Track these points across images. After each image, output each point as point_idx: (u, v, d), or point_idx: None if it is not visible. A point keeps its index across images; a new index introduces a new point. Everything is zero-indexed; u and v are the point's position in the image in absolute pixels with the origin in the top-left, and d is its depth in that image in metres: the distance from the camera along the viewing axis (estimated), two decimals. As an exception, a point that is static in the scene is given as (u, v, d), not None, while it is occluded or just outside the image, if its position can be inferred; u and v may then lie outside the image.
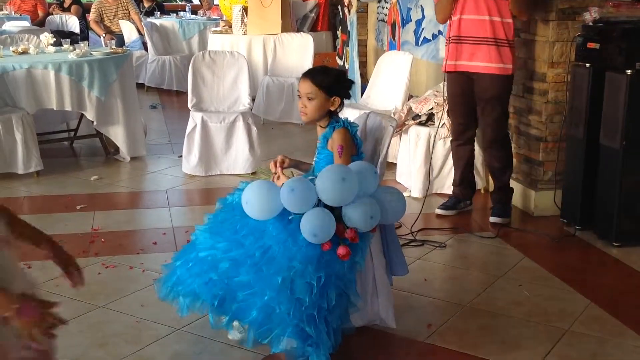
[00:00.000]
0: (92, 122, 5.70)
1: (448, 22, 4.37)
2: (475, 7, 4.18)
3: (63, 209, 4.62)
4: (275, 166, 2.95)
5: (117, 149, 5.91)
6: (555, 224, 4.34)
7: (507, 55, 4.23)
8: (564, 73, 4.38)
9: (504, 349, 2.88)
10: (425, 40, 6.24)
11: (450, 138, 4.69)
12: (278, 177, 2.92)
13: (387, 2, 7.23)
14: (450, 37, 4.32)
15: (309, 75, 2.93)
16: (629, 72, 3.79)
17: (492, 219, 4.39)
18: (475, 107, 4.44)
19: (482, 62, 4.22)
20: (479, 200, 4.76)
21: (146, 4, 11.13)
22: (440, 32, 5.90)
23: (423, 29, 6.28)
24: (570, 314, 3.18)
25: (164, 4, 12.65)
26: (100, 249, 3.90)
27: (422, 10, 6.26)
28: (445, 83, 4.47)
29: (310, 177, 2.83)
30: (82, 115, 5.93)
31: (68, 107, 5.53)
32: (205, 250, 2.78)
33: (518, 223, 4.42)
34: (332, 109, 2.90)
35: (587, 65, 4.06)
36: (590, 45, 4.02)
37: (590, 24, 4.04)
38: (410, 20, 6.57)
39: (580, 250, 4.00)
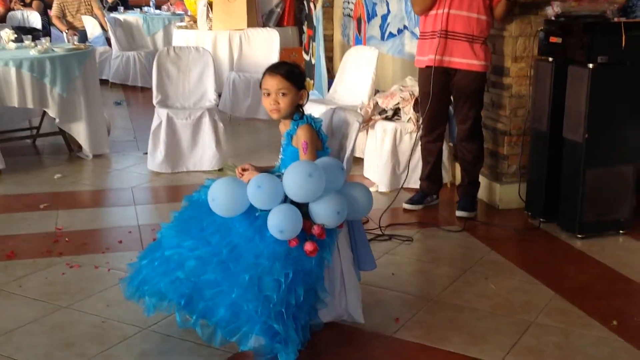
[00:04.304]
0: (55, 119, 5.61)
1: (423, 16, 4.33)
2: (465, 3, 4.16)
3: (26, 208, 4.54)
4: (240, 172, 2.94)
5: (80, 147, 5.83)
6: (520, 217, 4.39)
7: (488, 52, 4.29)
8: (527, 67, 4.43)
9: (471, 341, 2.90)
10: (391, 35, 6.25)
11: (417, 133, 4.70)
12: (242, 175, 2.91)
13: (353, -3, 7.23)
14: (432, 32, 4.26)
15: (278, 70, 2.87)
16: (591, 65, 3.84)
17: (458, 213, 4.43)
18: (447, 103, 4.46)
19: (466, 58, 4.22)
20: (445, 195, 4.80)
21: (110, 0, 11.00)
22: (405, 27, 5.92)
23: (388, 24, 6.30)
24: (535, 306, 3.22)
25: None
26: (65, 249, 3.84)
27: (388, 5, 6.27)
28: (420, 78, 4.45)
29: (277, 174, 2.82)
30: (45, 112, 5.83)
31: (30, 105, 5.44)
32: (172, 248, 2.76)
33: (484, 216, 4.46)
34: (301, 102, 2.90)
35: (550, 59, 4.11)
36: (553, 39, 4.07)
37: (553, 18, 4.08)
38: (376, 15, 6.58)
39: (545, 242, 4.05)
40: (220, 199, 2.68)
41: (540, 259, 3.82)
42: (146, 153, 5.51)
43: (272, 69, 2.90)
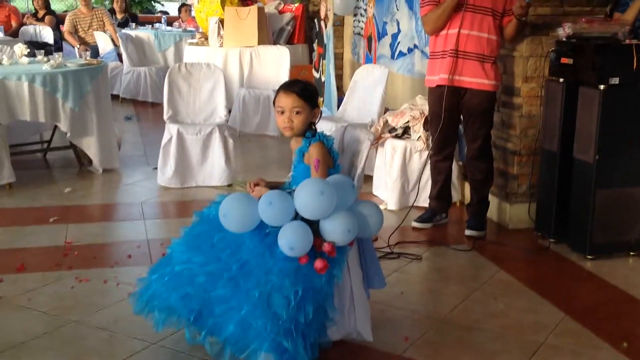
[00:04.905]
0: (66, 133, 5.64)
1: (434, 36, 4.34)
2: (475, 23, 4.17)
3: (36, 222, 4.56)
4: (251, 187, 2.94)
5: (90, 161, 5.86)
6: (530, 237, 4.38)
7: (498, 72, 4.31)
8: (538, 88, 4.43)
9: (481, 362, 2.89)
10: (401, 54, 6.28)
11: (427, 151, 4.71)
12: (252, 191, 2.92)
13: (364, 16, 7.27)
14: (443, 51, 4.27)
15: (292, 88, 2.87)
16: (602, 87, 3.85)
17: (467, 232, 4.42)
18: (457, 122, 4.46)
19: (477, 78, 4.23)
20: (455, 213, 4.79)
21: (119, 16, 11.06)
22: (416, 46, 5.94)
23: (399, 42, 6.33)
24: (545, 326, 3.20)
25: (138, 15, 12.61)
26: (74, 262, 3.85)
27: (398, 24, 6.30)
28: (430, 98, 4.46)
29: (288, 190, 2.83)
30: (56, 126, 5.87)
31: (42, 119, 5.47)
32: (182, 263, 2.76)
33: (493, 236, 4.45)
34: (314, 120, 2.91)
35: (561, 80, 4.11)
36: (564, 60, 4.08)
37: (564, 39, 4.09)
38: (386, 34, 6.61)
39: (555, 262, 4.04)
40: (231, 214, 2.68)
41: (549, 280, 3.80)
42: (156, 168, 5.53)
43: (287, 87, 2.90)
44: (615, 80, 3.85)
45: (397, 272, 3.82)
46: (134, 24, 10.80)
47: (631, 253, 4.09)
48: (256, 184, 2.97)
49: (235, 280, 2.63)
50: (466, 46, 4.21)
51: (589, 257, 4.02)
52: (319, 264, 2.61)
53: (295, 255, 2.59)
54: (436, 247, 4.23)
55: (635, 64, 3.84)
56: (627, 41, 3.95)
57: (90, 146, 5.72)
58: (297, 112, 2.85)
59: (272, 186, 2.95)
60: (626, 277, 3.81)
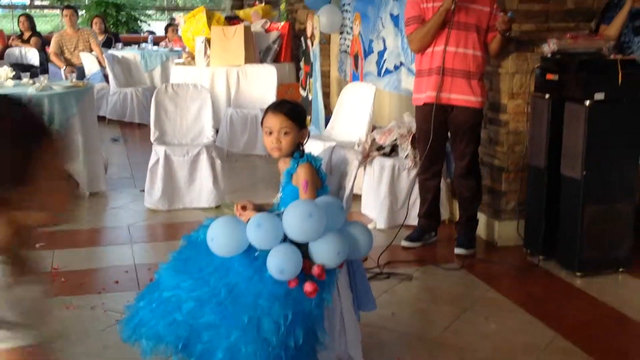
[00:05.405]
0: (52, 157, 5.58)
1: (419, 54, 4.34)
2: (461, 40, 4.18)
3: (22, 247, 4.50)
4: (239, 210, 2.91)
5: (77, 185, 5.81)
6: (519, 254, 4.37)
7: (484, 89, 4.31)
8: (524, 104, 4.44)
9: (473, 383, 2.86)
10: (388, 71, 6.29)
11: (415, 169, 4.70)
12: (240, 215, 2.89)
13: (350, 34, 7.29)
14: (430, 69, 4.28)
15: (280, 109, 2.84)
16: (587, 102, 3.86)
17: (457, 250, 4.41)
18: (444, 140, 4.46)
19: (465, 95, 4.23)
20: (444, 232, 4.77)
21: (99, 37, 10.96)
22: (402, 63, 5.96)
23: (385, 60, 6.34)
24: (536, 346, 3.19)
25: (120, 35, 12.59)
26: (61, 289, 3.80)
27: (384, 41, 6.32)
28: (417, 115, 4.47)
29: (277, 212, 2.80)
30: (42, 149, 5.81)
31: (27, 143, 5.41)
32: (169, 289, 2.73)
33: (483, 253, 4.44)
34: (302, 141, 2.89)
35: (547, 96, 4.12)
36: (549, 76, 4.10)
37: (549, 55, 4.11)
38: (372, 52, 6.62)
39: (545, 280, 4.03)
40: (219, 238, 2.65)
41: (540, 298, 3.79)
42: (143, 190, 5.50)
43: (275, 108, 2.87)
44: (600, 96, 3.87)
45: (387, 292, 3.80)
46: (120, 44, 10.77)
47: (620, 269, 4.09)
48: (244, 207, 2.94)
49: (224, 305, 2.59)
50: (452, 63, 4.21)
51: (579, 273, 4.02)
52: (308, 287, 2.59)
53: (284, 279, 2.57)
54: (426, 266, 4.22)
55: (620, 79, 3.86)
56: (612, 56, 3.97)
57: (76, 169, 5.67)
58: (285, 133, 2.83)
59: (260, 208, 2.93)
60: (616, 294, 3.80)
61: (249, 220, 2.66)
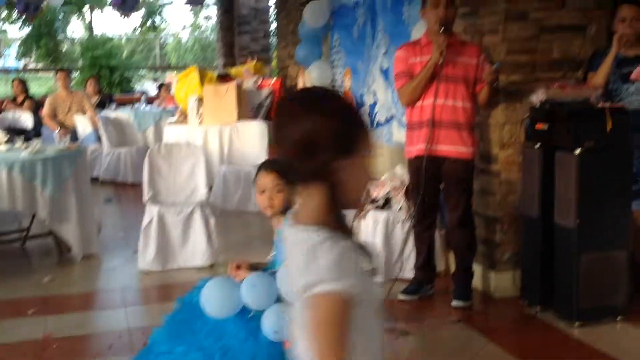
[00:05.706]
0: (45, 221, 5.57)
1: (410, 107, 4.37)
2: (450, 93, 4.21)
3: (14, 315, 4.44)
4: (233, 269, 2.88)
5: (70, 248, 5.76)
6: (516, 305, 4.32)
7: (475, 139, 4.33)
8: (516, 153, 4.45)
9: None
10: (379, 124, 6.33)
11: (409, 222, 4.68)
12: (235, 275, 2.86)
13: (341, 87, 7.36)
14: (420, 122, 4.29)
15: (273, 167, 2.80)
16: (577, 151, 3.88)
17: (454, 303, 4.36)
18: (437, 191, 4.46)
19: (455, 145, 4.25)
20: (440, 283, 4.72)
21: (93, 98, 11.03)
22: (393, 116, 6.00)
23: (377, 112, 6.39)
24: (538, 400, 3.13)
25: (114, 96, 12.69)
26: (53, 356, 3.74)
27: (375, 94, 6.38)
28: (410, 168, 4.48)
29: (271, 271, 2.78)
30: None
31: (19, 208, 5.41)
32: (163, 355, 2.69)
33: (480, 305, 4.39)
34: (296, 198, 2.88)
35: (537, 145, 4.14)
36: (539, 126, 4.12)
37: (538, 105, 4.13)
38: (364, 105, 6.68)
39: (542, 331, 3.98)
40: (213, 300, 2.64)
41: (538, 350, 3.74)
42: (136, 252, 5.45)
43: (267, 166, 2.84)
44: (590, 144, 3.88)
45: (385, 350, 3.73)
46: (113, 105, 10.84)
47: (618, 318, 4.04)
48: (238, 266, 2.91)
49: (219, 369, 2.55)
50: (442, 116, 4.24)
51: (577, 323, 3.96)
52: (303, 348, 2.55)
53: (279, 340, 2.53)
54: (423, 320, 4.17)
55: (609, 127, 3.88)
56: (601, 104, 4.00)
57: (69, 232, 5.63)
58: (278, 191, 2.81)
59: (255, 267, 2.90)
60: (614, 344, 3.75)
61: (242, 280, 2.64)
